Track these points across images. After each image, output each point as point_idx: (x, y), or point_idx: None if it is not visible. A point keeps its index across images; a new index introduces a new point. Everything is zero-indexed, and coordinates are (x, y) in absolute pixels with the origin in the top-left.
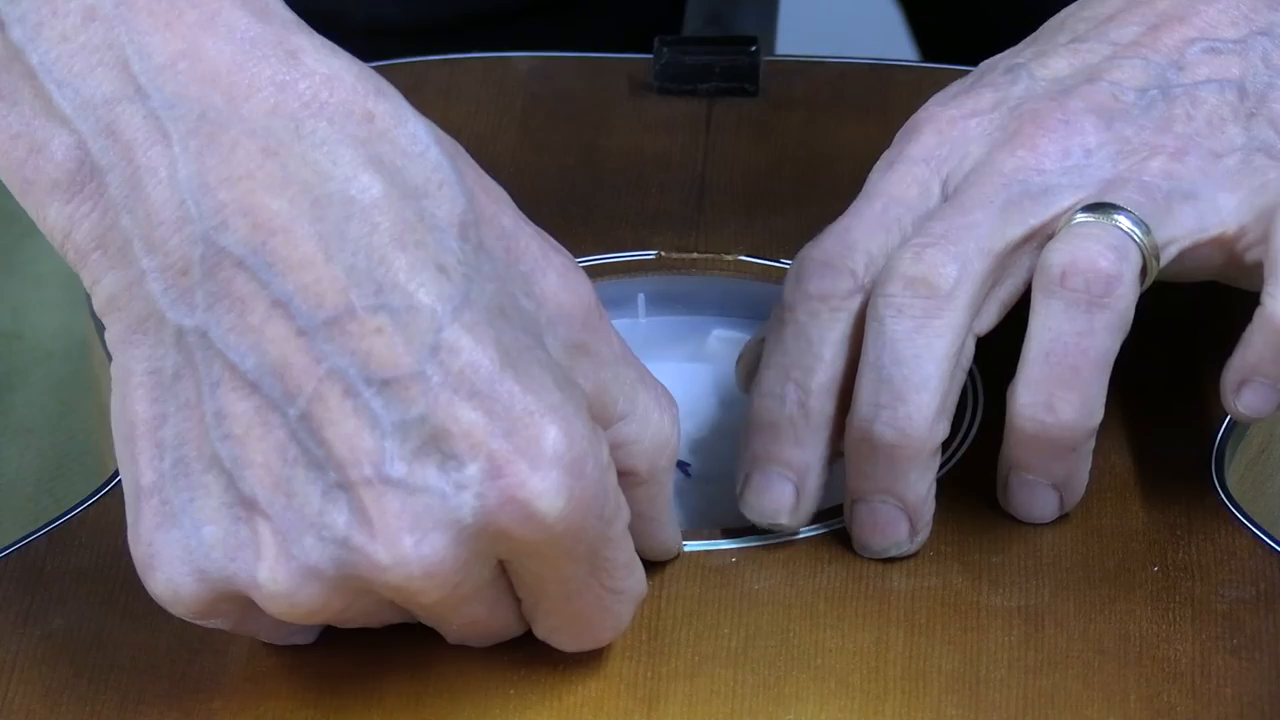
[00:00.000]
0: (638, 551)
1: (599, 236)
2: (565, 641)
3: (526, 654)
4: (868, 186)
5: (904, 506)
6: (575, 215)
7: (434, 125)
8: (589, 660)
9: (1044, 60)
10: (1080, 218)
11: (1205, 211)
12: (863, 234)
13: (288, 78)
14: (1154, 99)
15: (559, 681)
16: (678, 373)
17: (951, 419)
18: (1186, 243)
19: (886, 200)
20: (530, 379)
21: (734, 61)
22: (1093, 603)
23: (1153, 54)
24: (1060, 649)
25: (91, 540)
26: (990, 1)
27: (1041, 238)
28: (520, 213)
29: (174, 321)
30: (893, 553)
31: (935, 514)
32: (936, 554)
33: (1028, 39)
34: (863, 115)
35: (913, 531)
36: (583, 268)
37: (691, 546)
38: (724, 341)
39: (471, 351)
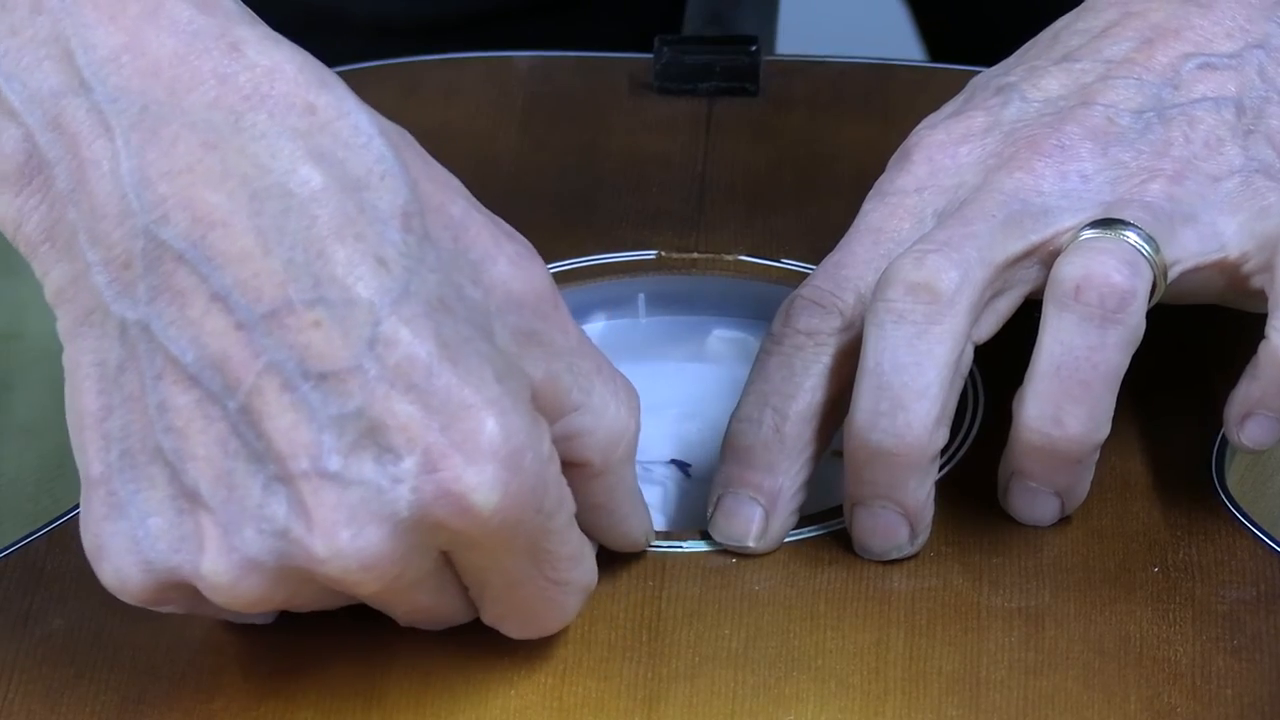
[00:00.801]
0: (602, 543)
1: (599, 236)
2: (512, 630)
3: (526, 654)
4: (859, 219)
5: (904, 511)
6: (575, 215)
7: (379, 116)
8: (589, 660)
9: (1035, 80)
10: (1089, 233)
11: (1206, 235)
12: (854, 271)
13: (229, 70)
14: (1150, 121)
15: (559, 681)
16: (678, 373)
17: (950, 425)
18: (1189, 264)
19: (878, 235)
20: (468, 372)
21: (734, 61)
22: (1093, 603)
23: (1146, 73)
24: (1061, 650)
25: None
26: (997, 2)
27: (1042, 254)
28: (473, 201)
29: (118, 314)
30: (893, 555)
31: (935, 515)
32: (936, 555)
33: (1019, 51)
34: (863, 115)
35: (913, 535)
36: (583, 267)
37: (692, 547)
38: (724, 341)
39: (409, 344)
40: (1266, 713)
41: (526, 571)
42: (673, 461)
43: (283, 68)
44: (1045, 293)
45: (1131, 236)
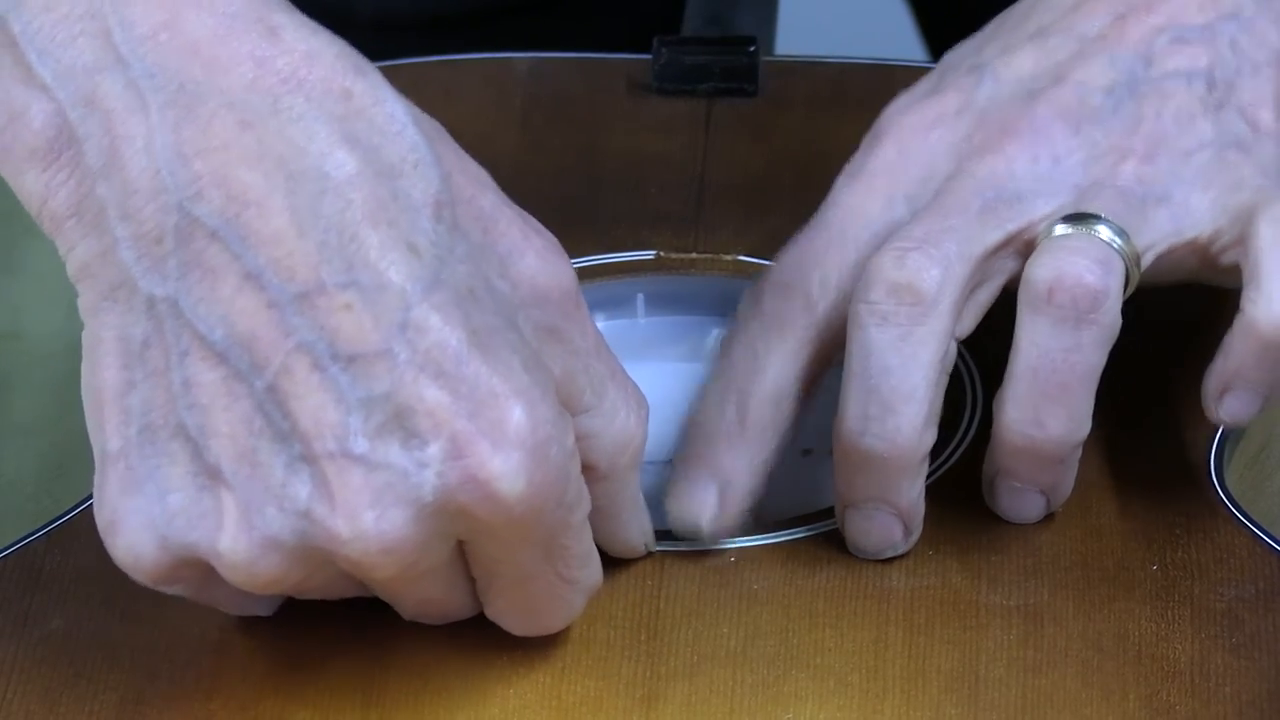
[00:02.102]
0: (601, 547)
1: (599, 236)
2: (514, 625)
3: (526, 654)
4: (828, 199)
5: (897, 512)
6: (575, 215)
7: (413, 106)
8: (588, 659)
9: (1008, 59)
10: (1060, 229)
11: (1179, 214)
12: (819, 253)
13: (267, 53)
14: (1121, 98)
15: (559, 681)
16: (677, 373)
17: (938, 425)
18: (1162, 247)
19: (845, 215)
20: (498, 361)
21: (733, 61)
22: (1092, 601)
23: (1119, 48)
24: (1059, 648)
25: (91, 540)
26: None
27: (1018, 243)
28: (503, 196)
29: (145, 290)
30: (888, 554)
31: (934, 514)
32: (936, 553)
33: (993, 24)
34: (862, 115)
35: (907, 533)
36: (582, 268)
37: (691, 546)
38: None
39: (439, 331)
40: (1265, 710)
41: (539, 566)
42: (672, 462)
43: (320, 53)
44: (1019, 295)
45: (1103, 231)
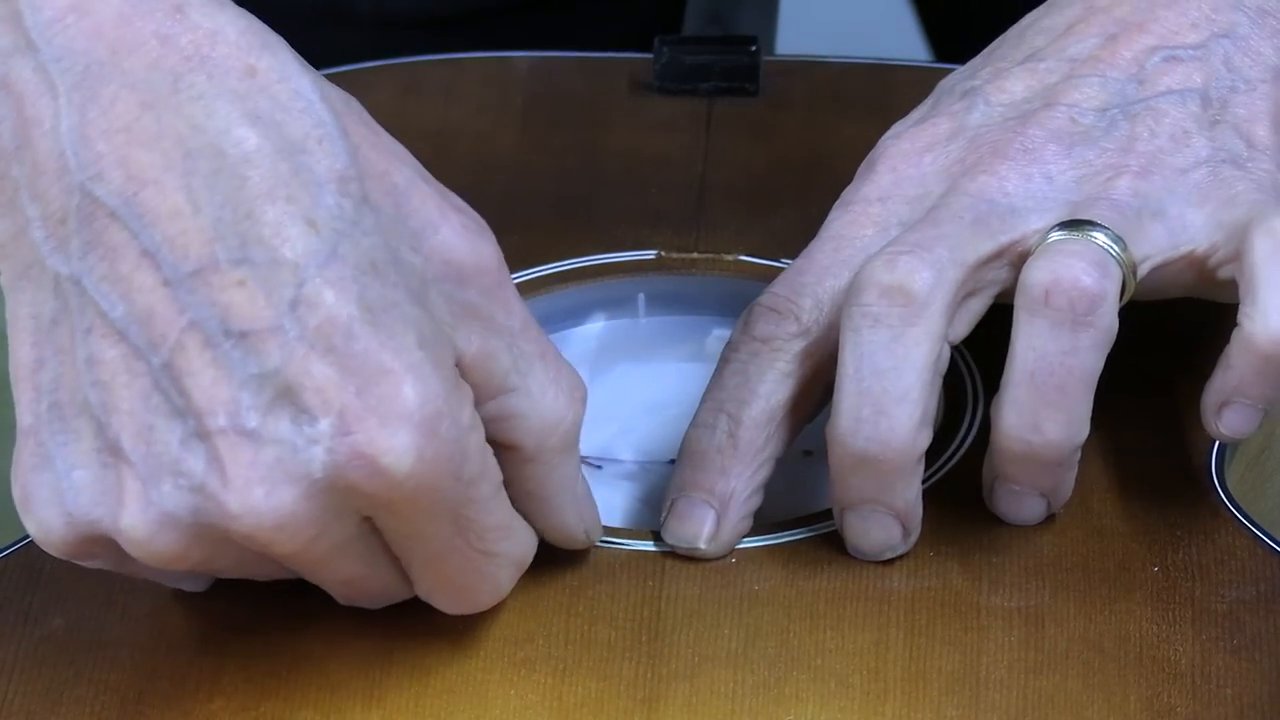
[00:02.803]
0: (540, 534)
1: (599, 236)
2: (444, 603)
3: (527, 655)
4: (823, 228)
5: (895, 513)
6: (575, 215)
7: (324, 82)
8: (589, 660)
9: (1000, 83)
10: (1056, 235)
11: (1175, 229)
12: (812, 277)
13: (170, 31)
14: (1115, 118)
15: (559, 681)
16: (677, 373)
17: (933, 426)
18: (1158, 260)
19: (839, 242)
20: (390, 336)
21: (734, 61)
22: (1093, 603)
23: (1111, 70)
24: (1060, 649)
25: None
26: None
27: (1011, 255)
28: (423, 172)
29: (52, 269)
30: (887, 555)
31: (934, 515)
32: (936, 554)
33: (986, 51)
34: (862, 115)
35: (906, 534)
36: (583, 268)
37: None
38: (723, 342)
39: (331, 306)
40: (1266, 712)
41: (450, 541)
42: (672, 463)
43: (224, 30)
44: (1015, 298)
45: (1099, 237)
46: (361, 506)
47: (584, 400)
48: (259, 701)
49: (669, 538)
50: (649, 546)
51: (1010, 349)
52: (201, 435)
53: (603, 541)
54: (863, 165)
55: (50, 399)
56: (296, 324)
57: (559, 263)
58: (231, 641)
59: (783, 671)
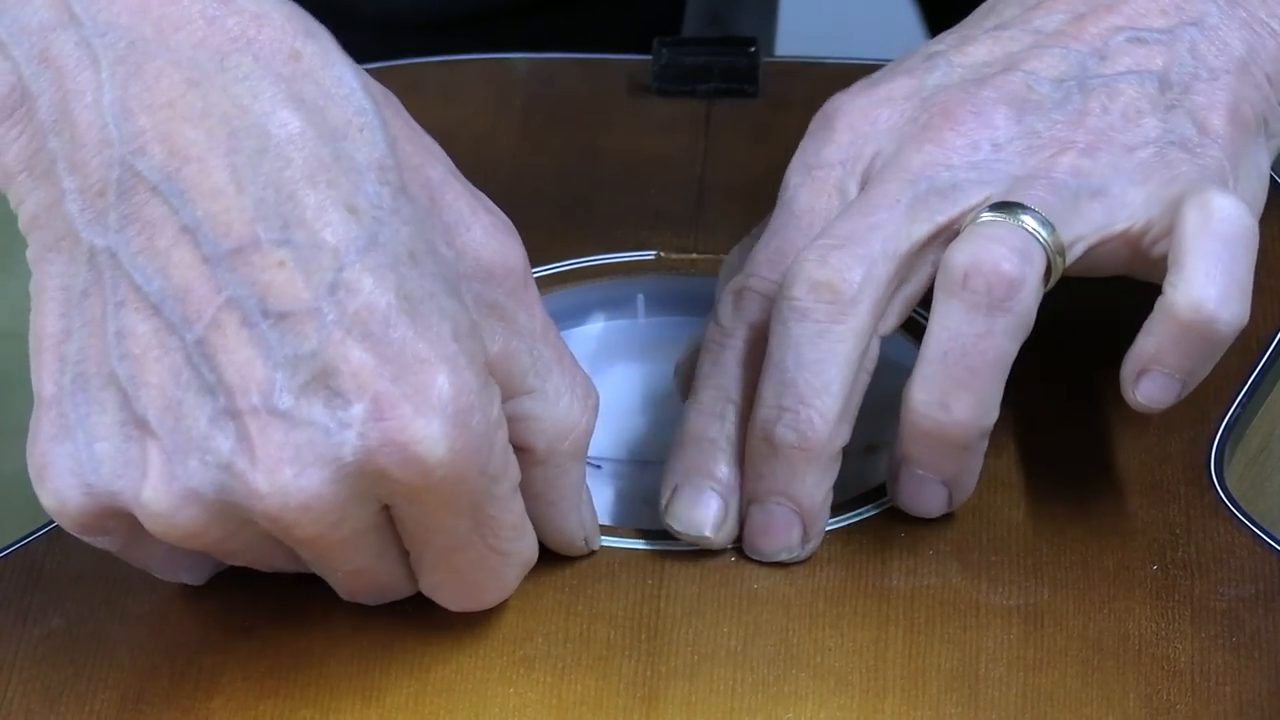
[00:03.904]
0: (541, 539)
1: (599, 236)
2: (448, 599)
3: (526, 654)
4: (788, 198)
5: (799, 510)
6: (574, 216)
7: (364, 73)
8: (588, 658)
9: (964, 48)
10: (985, 217)
11: (1114, 207)
12: (793, 254)
13: (217, 13)
14: (1069, 90)
15: (558, 679)
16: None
17: (853, 423)
18: (1093, 239)
19: (810, 217)
20: (427, 326)
21: (733, 62)
22: (1092, 601)
23: (1075, 43)
24: (1059, 647)
25: None
26: None
27: (948, 234)
28: (455, 171)
29: (87, 241)
30: (783, 557)
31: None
32: (936, 553)
33: (959, 24)
34: None
35: (805, 537)
36: (583, 268)
37: (692, 546)
38: None
39: (370, 293)
40: (1265, 710)
41: (467, 535)
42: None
43: (270, 14)
44: (936, 278)
45: (1028, 221)
46: (385, 494)
47: (596, 407)
48: (259, 701)
49: (674, 523)
50: (649, 545)
51: (927, 328)
52: (231, 413)
53: (602, 540)
54: (817, 120)
55: (75, 370)
56: (335, 308)
57: (559, 263)
58: (231, 641)
59: (782, 670)
